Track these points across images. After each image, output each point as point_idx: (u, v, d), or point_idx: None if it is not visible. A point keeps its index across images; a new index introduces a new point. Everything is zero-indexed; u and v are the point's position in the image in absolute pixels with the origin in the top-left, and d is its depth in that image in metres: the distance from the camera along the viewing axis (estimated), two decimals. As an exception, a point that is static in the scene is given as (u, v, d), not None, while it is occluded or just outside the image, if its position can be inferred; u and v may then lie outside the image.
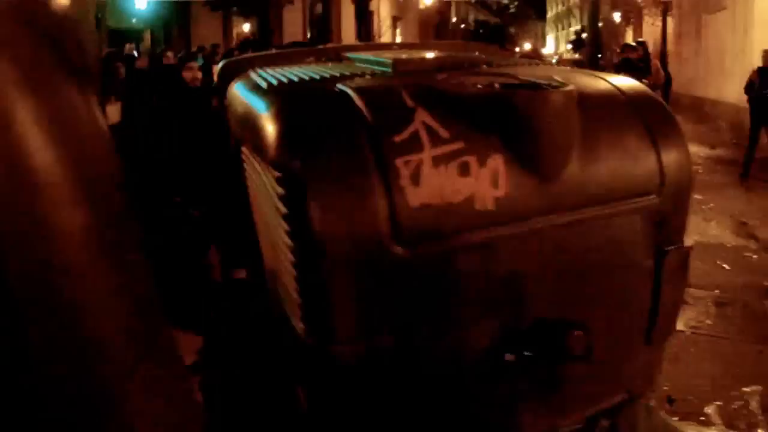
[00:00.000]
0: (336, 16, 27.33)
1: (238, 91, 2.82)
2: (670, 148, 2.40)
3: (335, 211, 1.81)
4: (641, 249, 2.44)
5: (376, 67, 2.61)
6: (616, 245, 2.37)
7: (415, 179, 1.86)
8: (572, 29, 59.99)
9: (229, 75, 3.16)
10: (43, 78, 1.20)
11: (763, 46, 11.23)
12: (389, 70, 2.51)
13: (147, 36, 16.58)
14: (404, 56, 2.70)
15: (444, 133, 1.94)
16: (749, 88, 11.05)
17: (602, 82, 2.51)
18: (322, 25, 27.30)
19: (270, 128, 2.04)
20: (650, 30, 26.54)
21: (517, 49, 33.59)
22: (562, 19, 73.58)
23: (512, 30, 74.76)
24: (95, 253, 1.19)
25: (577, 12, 60.00)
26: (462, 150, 1.93)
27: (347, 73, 2.50)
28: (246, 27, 23.11)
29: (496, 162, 1.97)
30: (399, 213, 1.83)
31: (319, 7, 28.03)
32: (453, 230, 1.92)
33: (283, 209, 1.90)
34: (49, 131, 1.14)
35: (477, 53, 3.40)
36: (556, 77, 2.30)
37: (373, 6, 32.95)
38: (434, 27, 40.04)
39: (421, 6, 38.35)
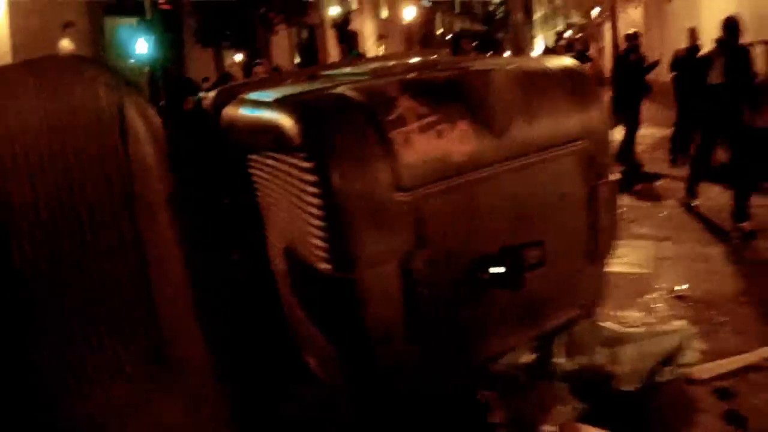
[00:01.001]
0: (321, 41, 28.24)
1: (243, 110, 3.45)
2: (591, 105, 3.21)
3: (351, 174, 2.58)
4: (578, 183, 3.21)
5: (359, 77, 3.34)
6: (559, 181, 3.14)
7: (406, 144, 2.61)
8: (556, 30, 60.82)
9: (224, 100, 3.77)
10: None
11: (710, 29, 11.36)
12: (369, 76, 3.25)
13: (145, 73, 17.42)
14: (379, 66, 3.51)
15: (422, 111, 2.69)
16: (674, 65, 10.76)
17: (538, 62, 3.32)
18: (308, 51, 28.22)
19: (292, 127, 2.74)
20: (626, 21, 27.55)
21: (507, 53, 34.02)
22: (549, 20, 74.14)
23: (500, 35, 75.24)
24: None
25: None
26: (437, 121, 2.69)
27: (336, 83, 3.21)
28: (238, 57, 23.87)
29: (463, 126, 2.74)
30: (397, 169, 2.60)
31: (304, 34, 28.95)
32: (436, 178, 2.68)
33: (312, 178, 2.62)
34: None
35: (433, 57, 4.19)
36: (500, 63, 3.09)
37: (357, 26, 33.89)
38: (420, 40, 40.57)
39: (405, 22, 39.03)
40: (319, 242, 2.72)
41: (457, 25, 55.49)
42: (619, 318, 4.49)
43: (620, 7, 29.61)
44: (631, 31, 11.29)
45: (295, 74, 4.41)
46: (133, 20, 17.51)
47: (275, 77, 4.68)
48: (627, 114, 9.64)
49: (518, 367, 3.28)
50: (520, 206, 3.00)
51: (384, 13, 39.49)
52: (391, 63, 3.63)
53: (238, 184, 3.72)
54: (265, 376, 3.48)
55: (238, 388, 2.78)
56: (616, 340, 3.66)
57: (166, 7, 18.60)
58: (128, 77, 2.46)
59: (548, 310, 3.37)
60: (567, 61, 3.54)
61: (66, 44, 12.50)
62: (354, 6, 34.60)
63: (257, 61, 10.97)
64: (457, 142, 2.69)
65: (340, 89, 2.91)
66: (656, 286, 5.27)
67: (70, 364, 2.21)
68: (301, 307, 3.22)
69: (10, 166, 2.11)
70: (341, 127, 2.63)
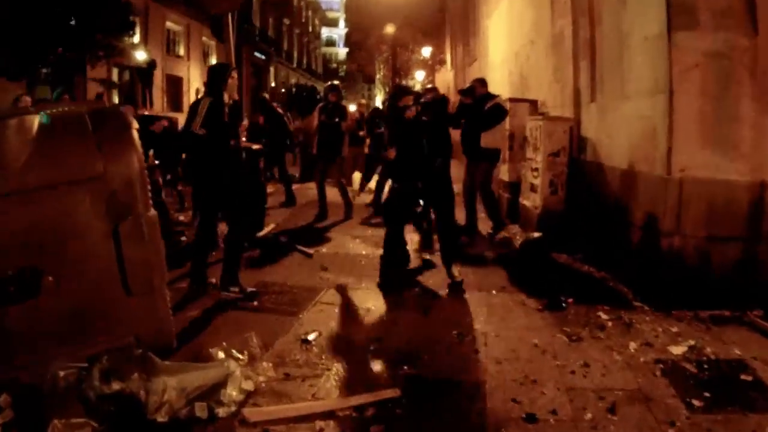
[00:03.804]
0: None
1: None
2: (116, 149, 3.71)
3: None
4: (97, 217, 3.68)
5: None
6: (73, 214, 3.62)
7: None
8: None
9: None
10: None
11: (497, 87, 12.65)
12: None
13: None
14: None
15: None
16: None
17: (76, 107, 3.91)
18: (129, 90, 28.47)
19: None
20: (444, 79, 31.84)
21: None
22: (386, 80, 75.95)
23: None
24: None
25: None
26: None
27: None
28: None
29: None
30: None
31: (126, 75, 29.10)
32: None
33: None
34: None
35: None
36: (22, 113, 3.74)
37: (183, 73, 34.13)
38: (251, 90, 40.37)
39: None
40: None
41: (294, 79, 56.03)
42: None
43: (437, 70, 36.06)
44: (429, 85, 12.33)
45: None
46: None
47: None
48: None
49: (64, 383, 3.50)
50: (30, 235, 3.45)
51: (213, 61, 39.61)
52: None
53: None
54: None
55: None
56: (157, 370, 3.74)
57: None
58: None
59: (82, 334, 3.67)
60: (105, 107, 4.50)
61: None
62: (181, 51, 34.90)
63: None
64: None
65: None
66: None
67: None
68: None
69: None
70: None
